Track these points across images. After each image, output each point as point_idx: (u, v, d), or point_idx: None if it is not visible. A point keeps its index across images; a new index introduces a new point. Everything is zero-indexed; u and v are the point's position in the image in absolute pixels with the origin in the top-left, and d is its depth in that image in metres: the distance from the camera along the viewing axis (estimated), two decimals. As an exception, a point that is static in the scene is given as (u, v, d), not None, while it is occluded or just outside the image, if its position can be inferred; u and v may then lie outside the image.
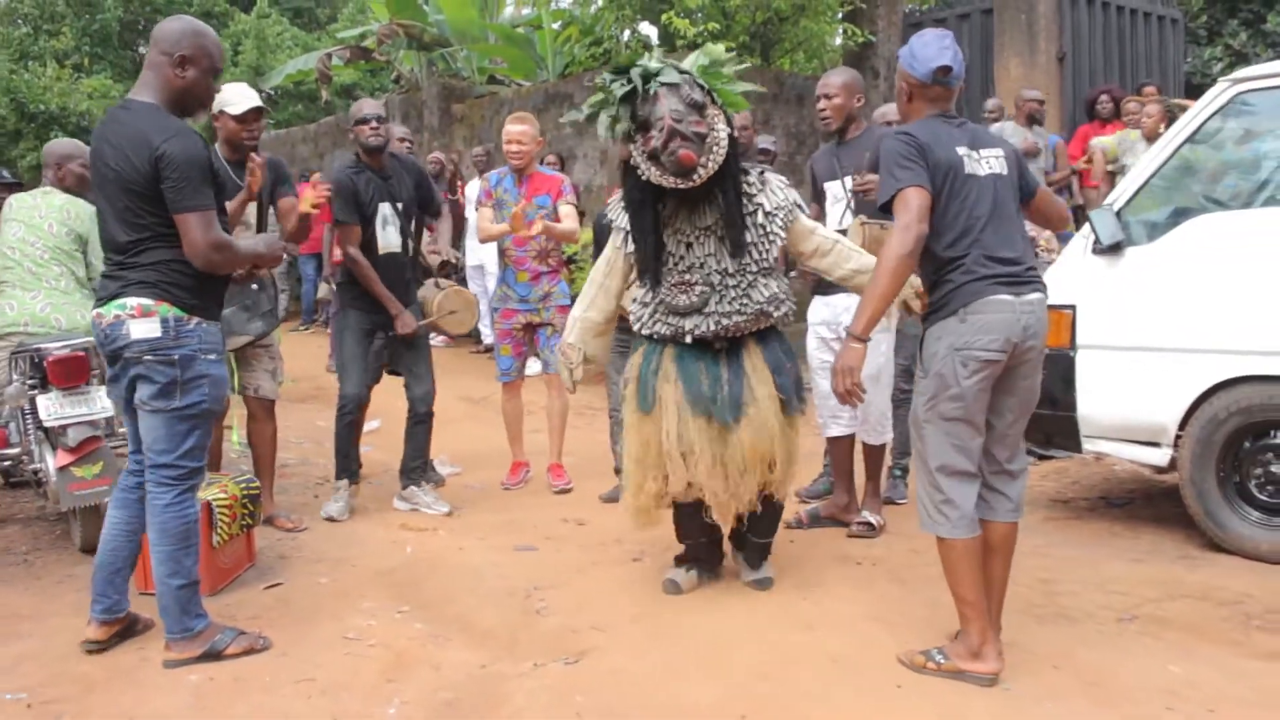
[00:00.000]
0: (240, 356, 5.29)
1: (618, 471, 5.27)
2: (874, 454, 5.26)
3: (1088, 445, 5.07)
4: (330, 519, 5.49)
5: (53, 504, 5.05)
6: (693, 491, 4.13)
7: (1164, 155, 4.93)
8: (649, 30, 11.84)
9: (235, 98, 5.08)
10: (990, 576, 3.58)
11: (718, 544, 4.52)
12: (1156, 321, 4.78)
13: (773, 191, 4.15)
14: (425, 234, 5.95)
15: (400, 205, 5.55)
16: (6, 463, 5.74)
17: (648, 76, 3.88)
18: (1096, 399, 4.94)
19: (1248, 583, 4.32)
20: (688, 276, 4.09)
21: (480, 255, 10.22)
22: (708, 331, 4.10)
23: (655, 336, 4.23)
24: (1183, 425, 4.75)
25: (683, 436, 4.07)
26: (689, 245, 4.09)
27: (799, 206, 4.22)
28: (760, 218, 4.10)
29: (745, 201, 4.09)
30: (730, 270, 4.07)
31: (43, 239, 5.17)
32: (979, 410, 3.45)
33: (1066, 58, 10.52)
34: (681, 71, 3.93)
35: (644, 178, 3.96)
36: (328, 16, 22.70)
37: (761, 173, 4.21)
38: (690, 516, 4.32)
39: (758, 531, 4.40)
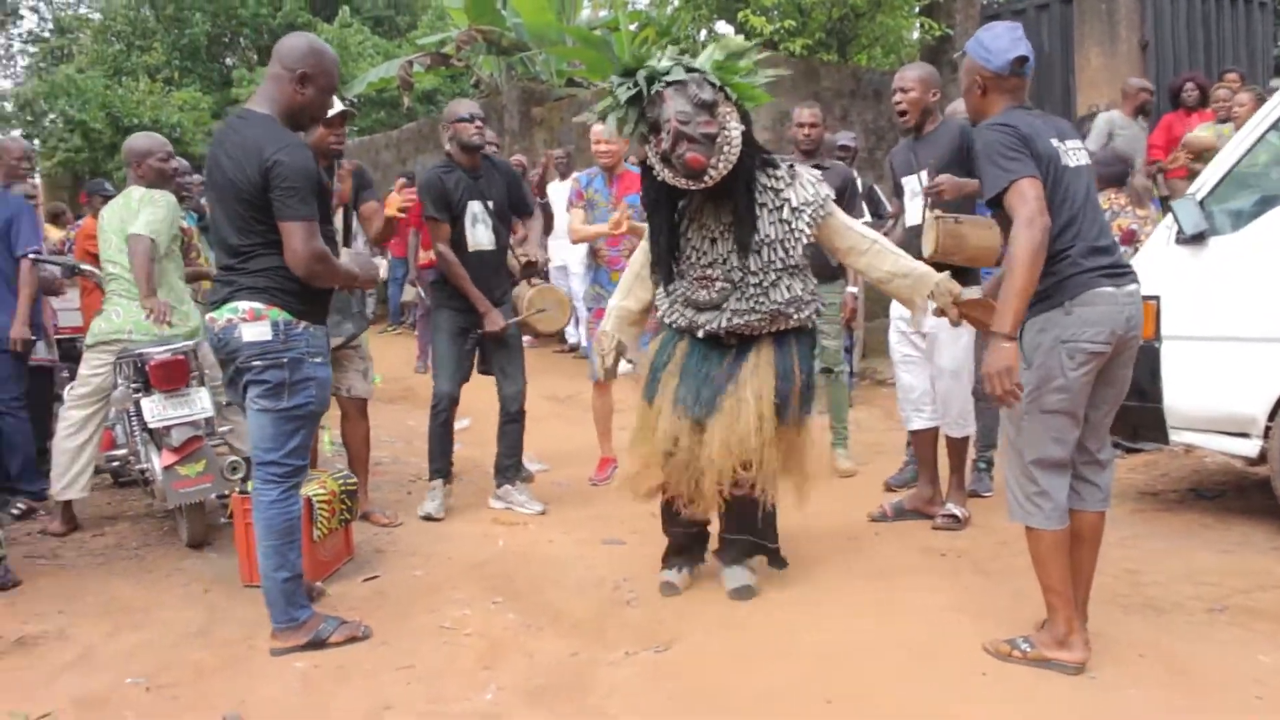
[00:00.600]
0: (331, 358, 5.40)
1: None
2: (957, 447, 5.28)
3: (1175, 437, 5.05)
4: (428, 517, 5.60)
5: (159, 502, 5.28)
6: (667, 485, 4.17)
7: (1248, 143, 4.89)
8: (726, 29, 11.90)
9: None
10: (1079, 566, 3.61)
11: (703, 535, 4.50)
12: (1243, 311, 4.75)
13: (802, 186, 4.05)
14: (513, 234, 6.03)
15: (491, 204, 5.60)
16: (115, 463, 5.99)
17: (653, 78, 3.84)
18: (1183, 390, 4.91)
19: (1340, 572, 4.29)
20: (709, 272, 4.05)
21: (563, 255, 10.34)
22: (719, 328, 4.09)
23: (674, 326, 4.24)
24: (1273, 415, 4.71)
25: (669, 434, 4.08)
26: (713, 241, 4.05)
27: (832, 201, 4.14)
28: (786, 213, 4.02)
29: (772, 196, 4.02)
30: (752, 268, 4.01)
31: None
32: (1082, 403, 3.47)
33: (1149, 46, 10.36)
34: (690, 69, 3.86)
35: (659, 178, 3.95)
36: (407, 24, 23.05)
37: (791, 166, 4.12)
38: (671, 509, 4.30)
39: (730, 528, 4.36)
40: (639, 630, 4.03)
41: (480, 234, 5.59)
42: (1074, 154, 3.53)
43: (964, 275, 4.86)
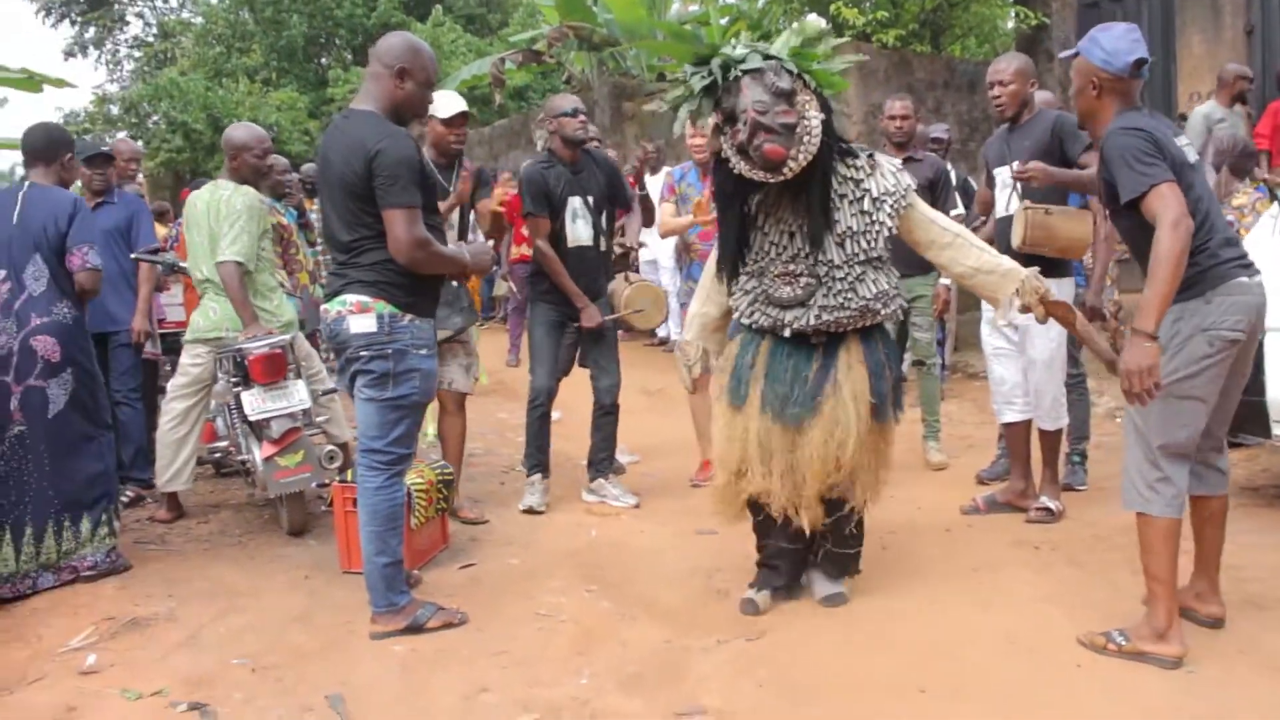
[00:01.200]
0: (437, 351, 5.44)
1: None
2: (1050, 439, 5.23)
3: (1279, 431, 4.94)
4: (531, 510, 5.63)
5: (260, 491, 5.42)
6: (766, 494, 3.96)
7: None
8: (817, 22, 11.85)
9: (443, 103, 5.26)
10: (1210, 544, 3.74)
11: (800, 555, 4.22)
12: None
13: (883, 176, 3.89)
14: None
15: (591, 199, 5.63)
16: (217, 454, 6.18)
17: (728, 66, 3.70)
18: (1287, 383, 4.80)
19: None
20: (792, 267, 3.89)
21: (654, 250, 10.38)
22: (807, 325, 3.90)
23: (754, 326, 4.05)
24: (1379, 408, 4.60)
25: (762, 440, 3.93)
26: (791, 235, 3.89)
27: (914, 191, 3.99)
28: (867, 204, 3.86)
29: (852, 187, 3.86)
30: (836, 261, 3.85)
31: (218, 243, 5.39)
32: (1216, 391, 3.50)
33: (1255, 31, 10.10)
34: (767, 56, 3.71)
35: (735, 170, 3.78)
36: (499, 22, 23.29)
37: (871, 155, 3.95)
38: (768, 519, 4.07)
39: (835, 541, 4.15)
40: (732, 619, 4.07)
41: (580, 229, 5.60)
42: (1189, 150, 3.57)
43: (1055, 266, 4.83)
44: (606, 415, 5.80)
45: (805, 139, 3.69)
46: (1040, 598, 4.13)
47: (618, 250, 5.87)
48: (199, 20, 25.18)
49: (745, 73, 3.68)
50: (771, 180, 3.74)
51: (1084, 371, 5.63)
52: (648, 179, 10.72)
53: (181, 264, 6.12)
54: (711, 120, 3.83)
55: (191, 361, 5.47)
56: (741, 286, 4.05)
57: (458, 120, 5.30)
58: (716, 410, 4.14)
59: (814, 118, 3.71)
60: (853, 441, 3.86)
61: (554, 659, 3.79)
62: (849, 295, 3.87)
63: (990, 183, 5.31)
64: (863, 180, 3.88)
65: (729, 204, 3.94)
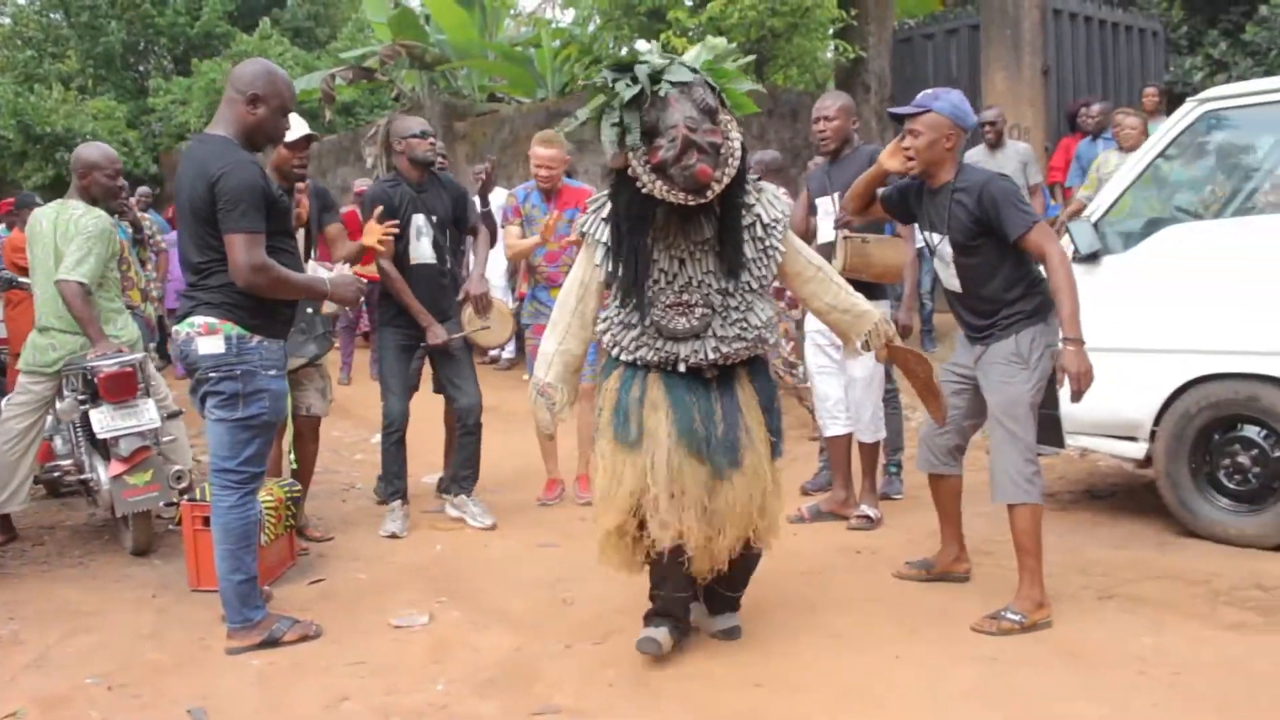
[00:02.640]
0: (293, 377, 5.37)
1: None
2: (869, 451, 5.59)
3: (1071, 441, 5.40)
4: (393, 535, 5.62)
5: (104, 510, 5.37)
6: (673, 538, 3.61)
7: (1138, 169, 5.28)
8: (646, 47, 12.14)
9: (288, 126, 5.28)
10: (956, 514, 4.61)
11: (692, 596, 4.04)
12: (1132, 325, 5.13)
13: (770, 202, 3.72)
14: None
15: (435, 218, 5.66)
16: (56, 473, 6.06)
17: (656, 76, 3.40)
18: (1078, 397, 5.28)
19: (1217, 564, 4.68)
20: (685, 297, 3.63)
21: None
22: (704, 359, 3.67)
23: (639, 363, 3.77)
24: (1157, 420, 5.12)
25: (673, 477, 3.61)
26: (682, 262, 3.64)
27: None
28: (759, 230, 3.69)
29: (744, 213, 3.67)
30: (730, 290, 3.66)
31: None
32: None
33: (1051, 71, 10.87)
34: (693, 70, 3.47)
35: (644, 191, 3.47)
36: (327, 36, 22.98)
37: (758, 179, 3.85)
38: (668, 566, 3.72)
39: (729, 585, 4.04)
40: (578, 625, 4.28)
41: (423, 248, 5.62)
42: None
43: (872, 290, 5.21)
44: (469, 434, 5.80)
45: (731, 160, 3.48)
46: (863, 598, 4.47)
47: (461, 295, 5.91)
48: (6, 21, 24.10)
49: (674, 85, 3.42)
50: (690, 203, 3.45)
51: (897, 387, 6.04)
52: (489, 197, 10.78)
53: (19, 280, 6.00)
54: (628, 136, 3.45)
55: (33, 380, 5.38)
56: (621, 320, 3.75)
57: (301, 144, 5.31)
58: (601, 453, 3.78)
59: (735, 138, 3.51)
60: (768, 488, 3.78)
61: (410, 667, 3.94)
62: (744, 325, 3.69)
63: (812, 211, 5.67)
64: (754, 205, 3.71)
65: (634, 227, 3.60)
